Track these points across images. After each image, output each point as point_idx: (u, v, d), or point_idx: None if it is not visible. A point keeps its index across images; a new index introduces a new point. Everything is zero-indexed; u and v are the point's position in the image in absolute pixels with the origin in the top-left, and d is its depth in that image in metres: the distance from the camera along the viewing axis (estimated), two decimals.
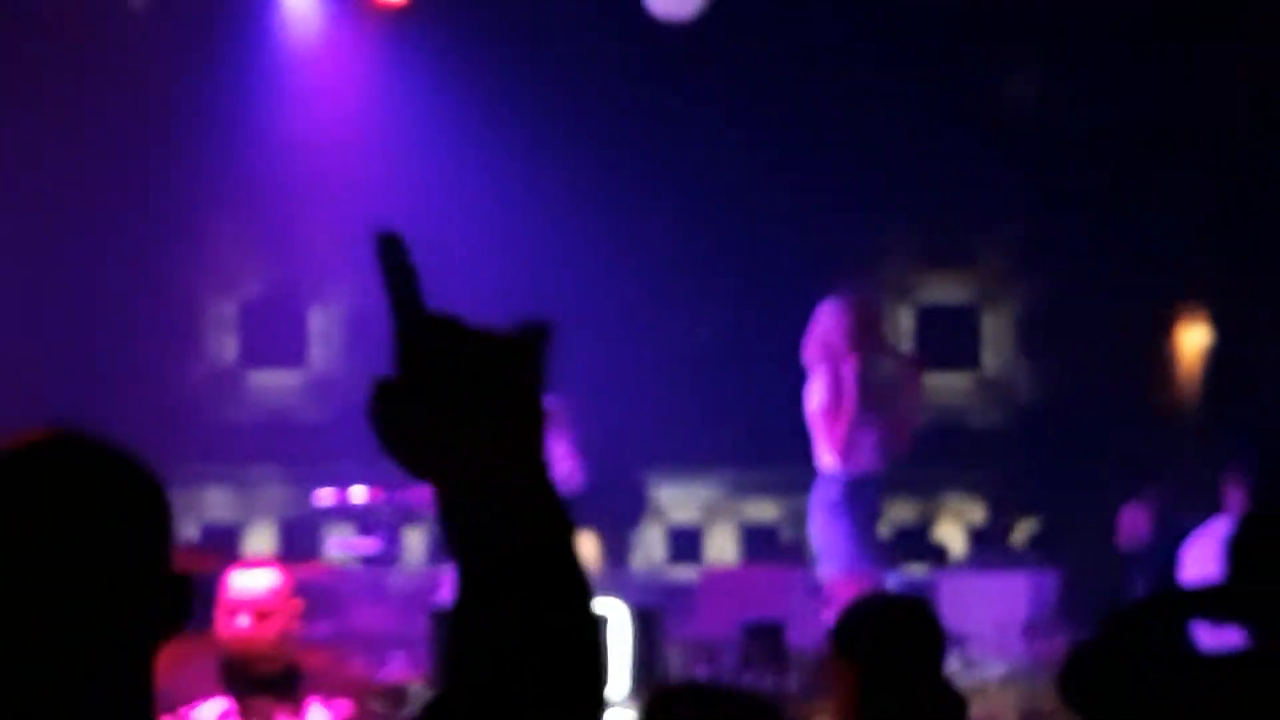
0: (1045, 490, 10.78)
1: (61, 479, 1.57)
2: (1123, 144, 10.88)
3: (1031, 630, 8.54)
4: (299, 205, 10.93)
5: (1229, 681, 3.08)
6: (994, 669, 8.07)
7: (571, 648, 1.42)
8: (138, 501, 1.58)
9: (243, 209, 11.18)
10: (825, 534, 7.88)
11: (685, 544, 11.67)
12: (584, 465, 8.65)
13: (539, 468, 1.44)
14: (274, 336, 11.58)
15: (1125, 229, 10.83)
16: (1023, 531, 11.01)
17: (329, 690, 5.09)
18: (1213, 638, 3.34)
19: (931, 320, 11.73)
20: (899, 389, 8.15)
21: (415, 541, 10.47)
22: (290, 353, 11.66)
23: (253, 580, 5.07)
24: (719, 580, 10.27)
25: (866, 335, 7.95)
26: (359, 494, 9.22)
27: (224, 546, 10.24)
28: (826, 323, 7.98)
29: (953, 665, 7.90)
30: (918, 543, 11.14)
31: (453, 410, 1.40)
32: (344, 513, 9.64)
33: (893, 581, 9.32)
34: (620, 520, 11.10)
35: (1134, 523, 8.86)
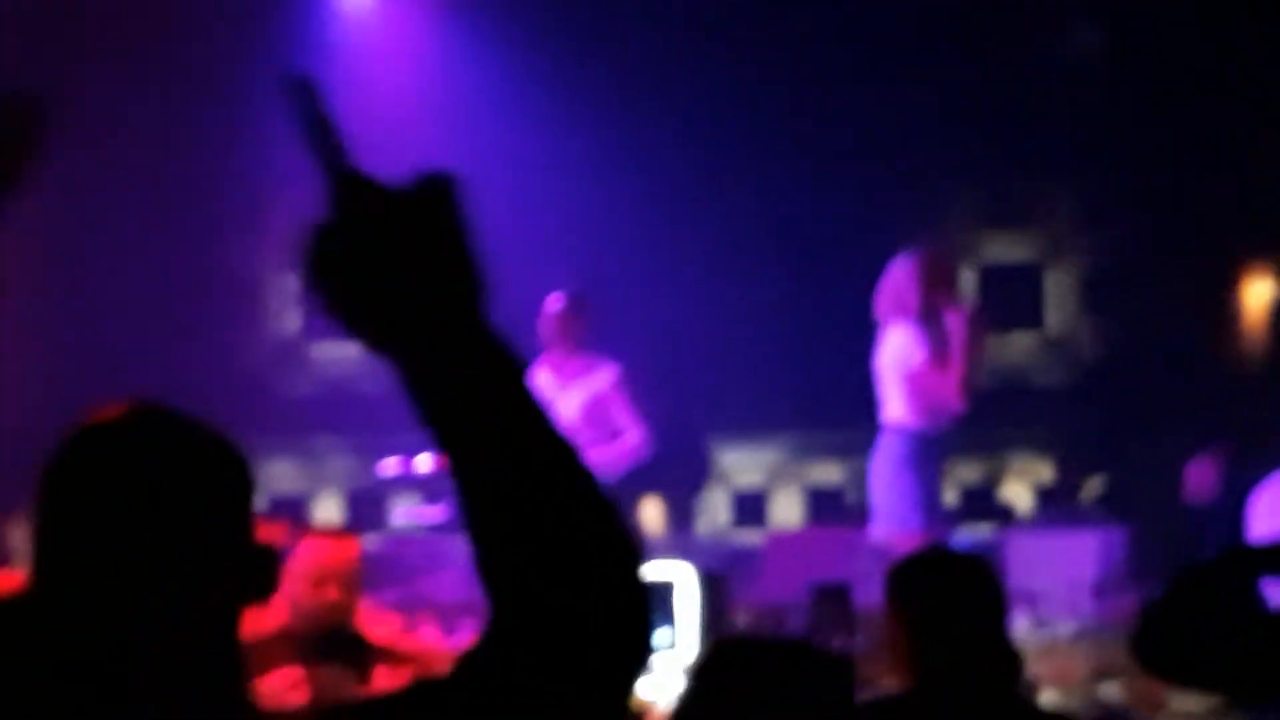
0: (1111, 448, 10.72)
1: (147, 450, 1.58)
2: (1184, 100, 10.78)
3: (1101, 588, 8.50)
4: None
5: None
6: (1064, 628, 8.04)
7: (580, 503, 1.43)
8: (221, 473, 1.60)
9: (304, 184, 11.21)
10: (892, 490, 7.88)
11: (750, 508, 11.67)
12: (649, 432, 8.66)
13: (478, 314, 1.45)
14: None
15: (1187, 185, 10.74)
16: (1090, 489, 10.96)
17: (397, 659, 5.12)
18: None
19: (994, 279, 11.66)
20: (966, 347, 8.13)
21: None
22: None
23: (320, 549, 5.10)
24: (784, 543, 10.25)
25: (940, 290, 7.94)
26: (424, 463, 9.26)
27: (291, 517, 10.31)
28: (900, 277, 7.98)
29: (1022, 624, 7.89)
30: (984, 503, 11.11)
31: (390, 258, 1.41)
32: (409, 481, 9.69)
33: (959, 541, 9.30)
34: (685, 486, 11.11)
35: (1201, 478, 8.81)
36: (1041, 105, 10.84)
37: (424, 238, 1.43)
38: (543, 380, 8.32)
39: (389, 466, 9.42)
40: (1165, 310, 10.88)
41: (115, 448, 1.57)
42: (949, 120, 10.88)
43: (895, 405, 7.94)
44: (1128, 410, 10.71)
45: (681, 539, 10.19)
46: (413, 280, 1.42)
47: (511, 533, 1.42)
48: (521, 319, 8.37)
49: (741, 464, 11.67)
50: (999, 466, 11.52)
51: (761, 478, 11.76)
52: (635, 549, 1.47)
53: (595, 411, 8.41)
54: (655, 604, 1.49)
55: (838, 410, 9.80)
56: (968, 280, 11.68)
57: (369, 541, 5.66)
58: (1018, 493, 11.43)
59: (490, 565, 1.43)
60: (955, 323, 7.87)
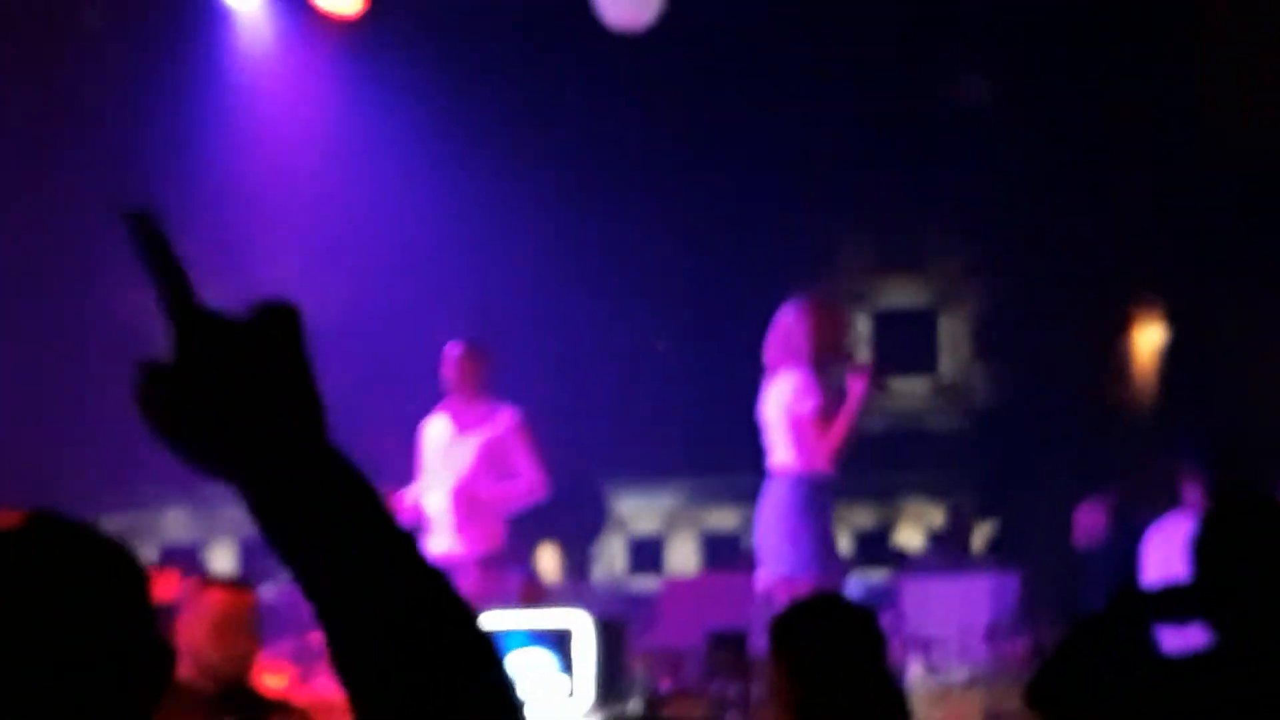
0: (1003, 492, 10.81)
1: (40, 562, 1.60)
2: (1073, 145, 10.93)
3: (994, 633, 8.55)
4: (256, 221, 10.89)
5: (1196, 682, 3.08)
6: (958, 673, 8.07)
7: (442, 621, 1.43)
8: (115, 578, 1.63)
9: (199, 225, 11.13)
10: (784, 538, 7.85)
11: (647, 554, 11.67)
12: (547, 479, 8.64)
13: (324, 442, 1.44)
14: None
15: (1077, 230, 10.87)
16: (982, 534, 11.04)
17: (292, 713, 5.06)
18: (1177, 638, 3.35)
19: (888, 325, 11.75)
20: (856, 410, 8.15)
21: None
22: None
23: (221, 600, 5.05)
24: (681, 589, 10.26)
25: (833, 340, 7.94)
26: None
27: (184, 566, 10.19)
28: (789, 323, 7.98)
29: (916, 670, 7.92)
30: (878, 548, 11.17)
31: (233, 393, 1.41)
32: None
33: (853, 587, 9.33)
34: (581, 532, 11.09)
35: (1090, 523, 8.88)
36: (932, 153, 10.95)
37: (265, 368, 1.43)
38: (442, 426, 8.29)
39: None
40: (1056, 355, 11.00)
41: (9, 557, 1.60)
42: (841, 168, 10.97)
43: (783, 452, 7.92)
44: (1019, 455, 10.81)
45: (578, 586, 10.16)
46: (254, 411, 1.42)
47: (370, 658, 1.42)
48: (422, 364, 8.34)
49: (638, 510, 11.67)
50: (893, 512, 11.59)
51: (658, 524, 11.77)
52: (498, 658, 1.46)
53: (495, 454, 8.38)
54: (558, 651, 1.49)
55: (733, 456, 9.81)
56: (863, 326, 11.76)
57: (263, 592, 5.60)
58: (911, 538, 11.49)
59: (347, 672, 1.43)
60: (856, 386, 7.85)
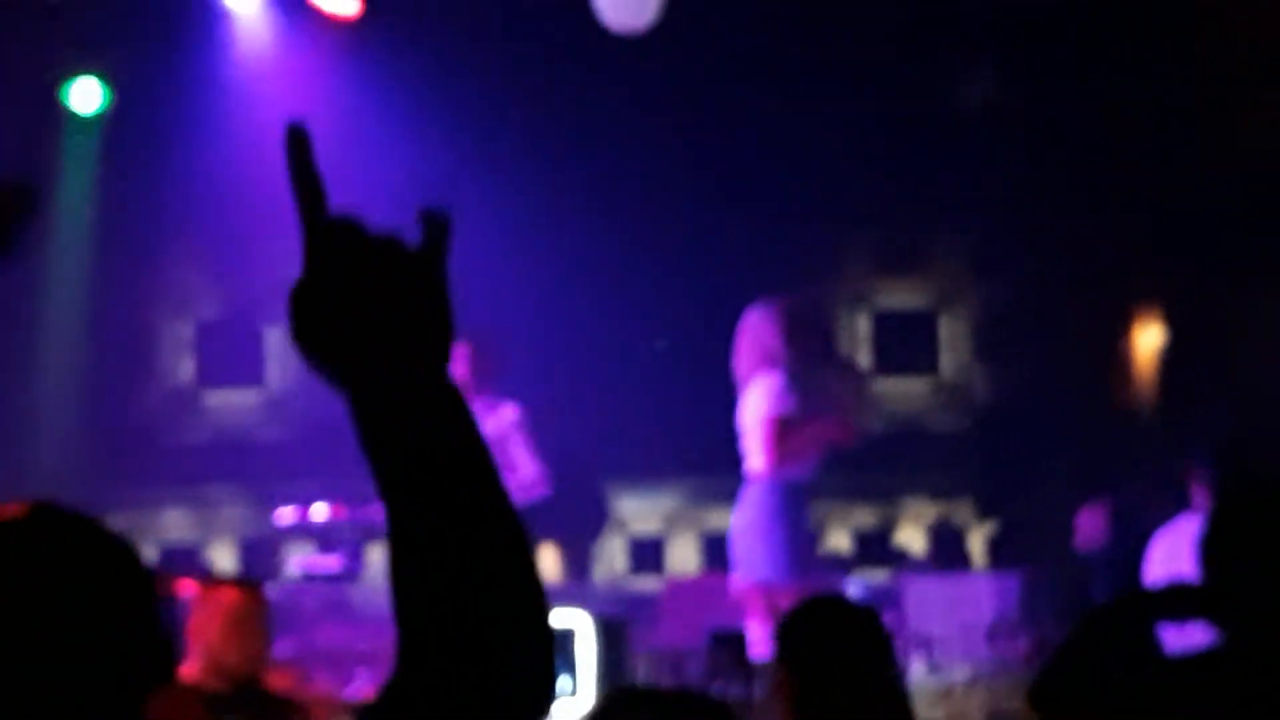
0: (1005, 493, 10.80)
1: (41, 552, 1.61)
2: (1073, 145, 10.92)
3: (995, 632, 8.55)
4: (254, 223, 10.88)
5: (1199, 681, 3.08)
6: (959, 672, 8.08)
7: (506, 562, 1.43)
8: (117, 570, 1.63)
9: (197, 228, 11.13)
10: (758, 540, 7.77)
11: (647, 555, 11.66)
12: (547, 475, 8.64)
13: (443, 372, 1.47)
14: (231, 356, 11.53)
15: (1077, 230, 10.87)
16: (983, 535, 11.03)
17: (296, 710, 5.06)
18: (1180, 638, 3.34)
19: (888, 326, 11.74)
20: (838, 396, 8.10)
21: (377, 558, 10.42)
22: (248, 372, 11.60)
23: (234, 600, 5.04)
24: (682, 590, 10.25)
25: (806, 339, 7.85)
26: (319, 512, 9.18)
27: (184, 567, 10.19)
28: (758, 328, 7.90)
29: (918, 669, 7.92)
30: (879, 548, 11.15)
31: (358, 309, 1.42)
32: (305, 531, 9.59)
33: (854, 588, 9.32)
34: (582, 533, 11.08)
35: (1091, 525, 8.88)
36: (934, 152, 10.94)
37: (406, 291, 1.45)
38: None
39: (285, 515, 9.33)
40: (1057, 356, 10.99)
41: (12, 548, 1.61)
42: (842, 168, 10.96)
43: (756, 457, 7.84)
44: (1021, 456, 10.80)
45: (579, 587, 10.16)
46: (374, 324, 1.43)
47: (437, 579, 1.42)
48: None
49: (639, 511, 11.66)
50: (893, 512, 11.58)
51: (659, 524, 11.76)
52: (547, 602, 1.47)
53: (495, 451, 8.40)
54: (558, 652, 1.48)
55: (735, 456, 9.82)
56: (863, 327, 11.76)
57: (265, 591, 5.60)
58: (912, 538, 11.49)
59: (408, 606, 1.43)
60: (831, 429, 7.77)
